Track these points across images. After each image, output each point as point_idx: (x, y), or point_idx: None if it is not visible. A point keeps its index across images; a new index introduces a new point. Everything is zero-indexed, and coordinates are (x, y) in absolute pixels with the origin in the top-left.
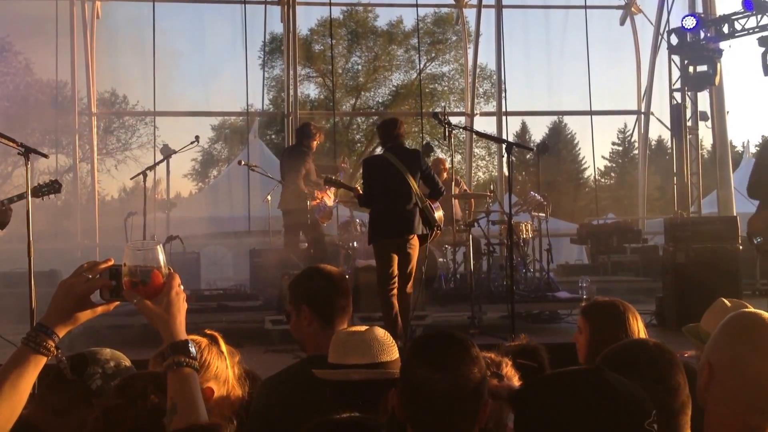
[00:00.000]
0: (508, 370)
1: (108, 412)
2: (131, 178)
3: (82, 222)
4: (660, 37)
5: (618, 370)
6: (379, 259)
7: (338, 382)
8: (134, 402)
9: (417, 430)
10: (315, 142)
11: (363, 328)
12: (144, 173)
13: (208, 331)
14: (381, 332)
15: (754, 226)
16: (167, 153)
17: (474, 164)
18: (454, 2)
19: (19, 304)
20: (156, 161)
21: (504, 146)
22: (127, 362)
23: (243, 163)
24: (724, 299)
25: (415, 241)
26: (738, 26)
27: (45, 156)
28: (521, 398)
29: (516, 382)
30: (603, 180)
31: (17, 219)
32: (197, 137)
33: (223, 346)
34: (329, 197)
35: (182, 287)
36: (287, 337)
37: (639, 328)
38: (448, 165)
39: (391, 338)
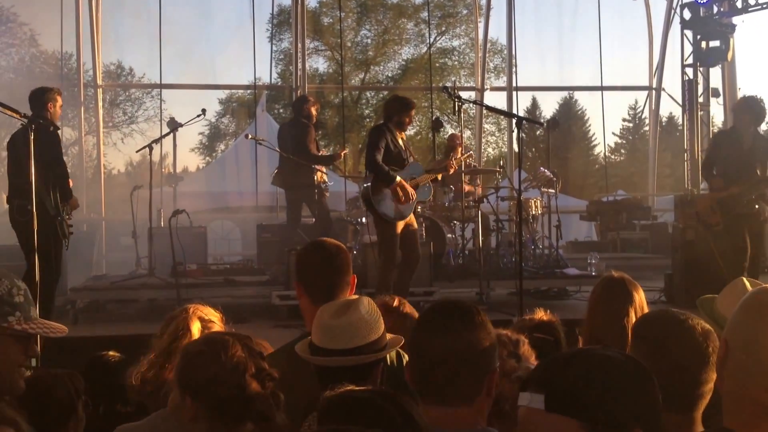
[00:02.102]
0: (525, 349)
1: (191, 357)
2: (137, 151)
3: (88, 195)
4: (672, 11)
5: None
6: None
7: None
8: (217, 354)
9: (423, 397)
10: (314, 111)
11: (347, 301)
12: (150, 146)
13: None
14: (365, 308)
15: (700, 204)
16: (174, 126)
17: (484, 140)
18: None
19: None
20: (162, 134)
21: (514, 121)
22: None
23: (250, 136)
24: (744, 279)
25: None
26: (752, 1)
27: (48, 127)
28: (545, 379)
29: (533, 361)
30: (613, 156)
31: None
32: (204, 110)
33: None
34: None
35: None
36: (295, 312)
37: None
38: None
39: (377, 309)
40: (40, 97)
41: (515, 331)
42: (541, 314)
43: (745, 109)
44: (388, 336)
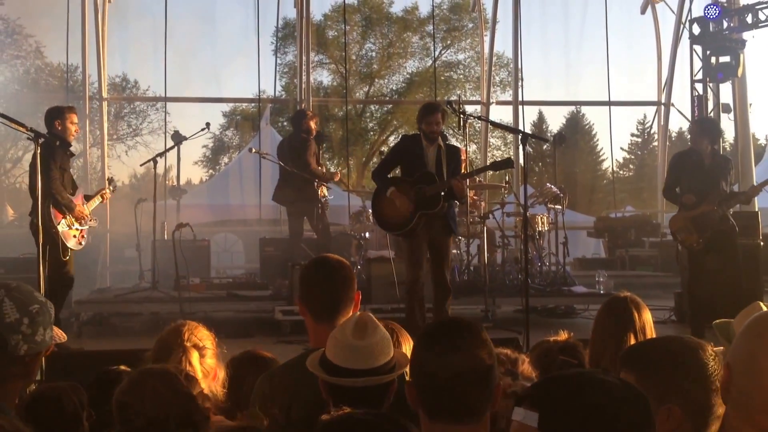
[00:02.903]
0: (525, 368)
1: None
2: (141, 165)
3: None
4: (682, 26)
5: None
6: None
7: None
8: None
9: (433, 417)
10: (313, 125)
11: (365, 319)
12: (154, 160)
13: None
14: (381, 327)
15: (674, 225)
16: (178, 140)
17: (489, 154)
18: None
19: None
20: (167, 148)
21: (519, 137)
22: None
23: (254, 150)
24: (761, 303)
25: None
26: (762, 16)
27: (55, 141)
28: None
29: (534, 379)
30: (621, 172)
31: (26, 204)
32: (208, 124)
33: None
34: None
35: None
36: (298, 327)
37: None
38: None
39: (387, 333)
40: (48, 115)
41: (538, 353)
42: (564, 336)
43: (701, 131)
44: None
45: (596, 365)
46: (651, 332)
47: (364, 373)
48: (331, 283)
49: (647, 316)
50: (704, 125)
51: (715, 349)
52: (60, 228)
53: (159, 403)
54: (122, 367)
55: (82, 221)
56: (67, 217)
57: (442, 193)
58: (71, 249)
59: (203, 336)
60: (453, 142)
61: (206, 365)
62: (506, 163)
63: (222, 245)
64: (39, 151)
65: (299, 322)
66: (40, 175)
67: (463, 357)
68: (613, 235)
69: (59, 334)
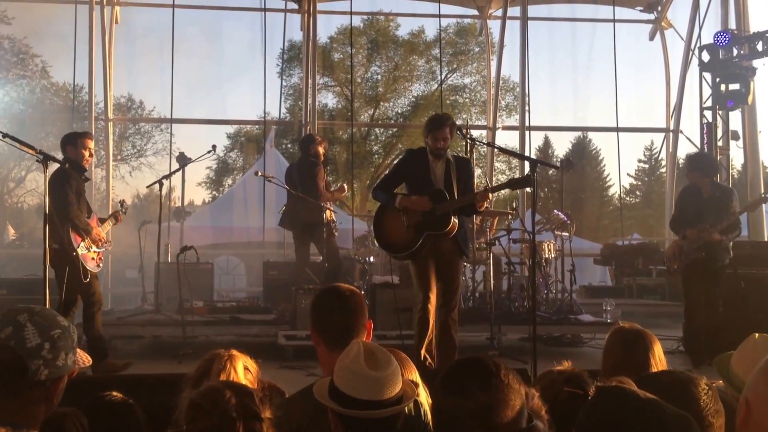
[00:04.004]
0: (535, 402)
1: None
2: (147, 187)
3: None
4: (691, 53)
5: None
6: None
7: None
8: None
9: None
10: (321, 150)
11: (376, 349)
12: (160, 182)
13: (226, 352)
14: (393, 363)
15: (668, 252)
16: (183, 162)
17: (494, 178)
18: (478, 14)
19: None
20: (171, 169)
21: (528, 164)
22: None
23: (260, 173)
24: (756, 335)
25: None
26: None
27: (64, 164)
28: None
29: (543, 415)
30: (628, 198)
31: (28, 225)
32: (214, 146)
33: (240, 369)
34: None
35: None
36: (301, 353)
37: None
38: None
39: (394, 361)
40: (62, 141)
41: (543, 385)
42: (567, 365)
43: (695, 167)
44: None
45: None
46: (663, 366)
47: (380, 405)
48: (344, 312)
49: (659, 350)
50: (696, 160)
51: (713, 383)
52: (79, 251)
53: (227, 414)
54: (114, 394)
55: (99, 244)
56: (86, 240)
57: (452, 212)
58: (90, 271)
59: (246, 367)
60: None
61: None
62: (526, 181)
63: (224, 268)
64: (53, 177)
65: (302, 347)
66: (49, 197)
67: (487, 399)
68: (620, 262)
69: (84, 358)
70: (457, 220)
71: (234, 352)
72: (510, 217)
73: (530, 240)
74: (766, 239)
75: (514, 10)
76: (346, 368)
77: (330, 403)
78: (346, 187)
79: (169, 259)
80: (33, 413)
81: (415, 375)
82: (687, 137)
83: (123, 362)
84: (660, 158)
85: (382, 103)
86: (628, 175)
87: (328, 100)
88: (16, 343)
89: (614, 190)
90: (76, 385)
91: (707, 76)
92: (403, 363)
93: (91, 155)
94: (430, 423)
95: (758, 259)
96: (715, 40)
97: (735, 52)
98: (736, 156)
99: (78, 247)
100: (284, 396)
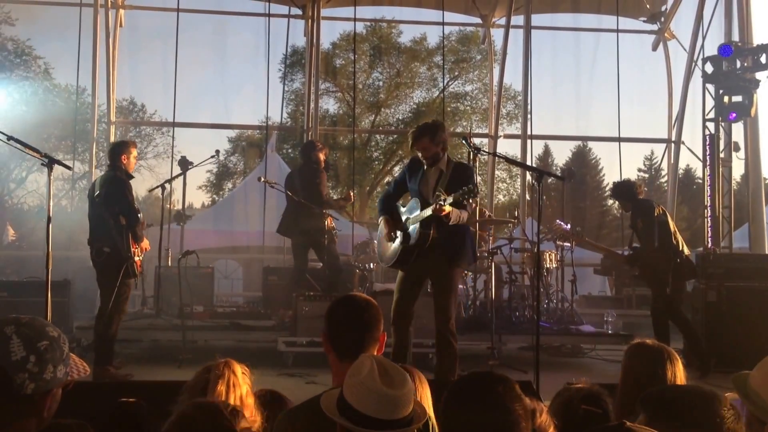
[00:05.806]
0: (543, 419)
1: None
2: (149, 191)
3: None
4: (693, 64)
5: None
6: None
7: None
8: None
9: None
10: (322, 157)
11: (391, 365)
12: (163, 186)
13: (222, 360)
14: (409, 382)
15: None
16: (185, 166)
17: (495, 186)
18: (481, 22)
19: (33, 314)
20: (172, 172)
21: (534, 174)
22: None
23: (263, 179)
24: None
25: None
26: None
27: (69, 168)
28: None
29: (552, 431)
30: None
31: (29, 227)
32: (217, 151)
33: (239, 373)
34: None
35: None
36: (300, 360)
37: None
38: None
39: (409, 380)
40: (116, 149)
41: (559, 403)
42: (584, 382)
43: (615, 196)
44: None
45: (626, 415)
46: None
47: (392, 424)
48: (358, 323)
49: (681, 366)
50: (616, 189)
51: (729, 397)
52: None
53: None
54: (132, 400)
55: (143, 250)
56: (137, 247)
57: (429, 224)
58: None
59: (243, 372)
60: None
61: (246, 402)
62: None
63: (222, 271)
64: (112, 184)
65: (302, 354)
66: (112, 205)
67: (498, 414)
68: (620, 273)
69: (81, 367)
70: (431, 232)
71: (228, 359)
72: (512, 225)
73: (532, 249)
74: (767, 252)
75: (518, 19)
76: (360, 384)
77: (341, 419)
78: (353, 195)
79: (170, 262)
80: (22, 428)
81: (428, 392)
82: (689, 148)
83: (124, 374)
84: (660, 168)
85: (383, 110)
86: None
87: (330, 105)
88: (1, 356)
89: (614, 200)
90: (76, 392)
91: (710, 87)
92: (419, 379)
93: (135, 161)
94: None
95: (761, 271)
96: (719, 52)
97: (738, 64)
98: (737, 168)
99: (133, 254)
100: (288, 405)
